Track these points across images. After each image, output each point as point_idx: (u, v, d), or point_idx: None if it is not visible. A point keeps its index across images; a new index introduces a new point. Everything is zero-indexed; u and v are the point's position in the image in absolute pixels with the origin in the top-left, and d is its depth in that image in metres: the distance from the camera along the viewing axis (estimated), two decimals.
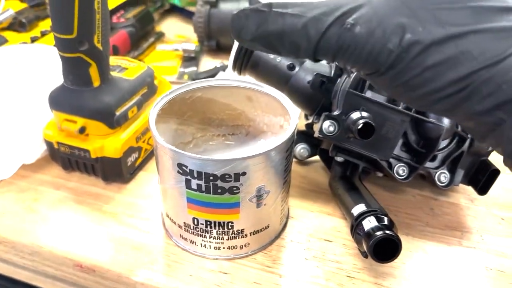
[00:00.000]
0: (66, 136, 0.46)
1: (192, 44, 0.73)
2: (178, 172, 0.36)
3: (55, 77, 0.48)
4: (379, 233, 0.35)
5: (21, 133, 0.49)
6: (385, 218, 0.37)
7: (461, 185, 0.49)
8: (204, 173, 0.35)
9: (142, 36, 0.74)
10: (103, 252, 0.41)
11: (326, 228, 0.44)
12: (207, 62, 0.74)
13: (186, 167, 0.35)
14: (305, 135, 0.51)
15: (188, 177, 0.36)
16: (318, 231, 0.44)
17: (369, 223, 0.36)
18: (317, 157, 0.52)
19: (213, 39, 0.74)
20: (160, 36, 0.78)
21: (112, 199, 0.47)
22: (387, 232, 0.35)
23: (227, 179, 0.35)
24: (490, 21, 0.24)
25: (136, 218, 0.45)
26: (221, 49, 0.75)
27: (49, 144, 0.48)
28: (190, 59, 0.73)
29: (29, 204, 0.46)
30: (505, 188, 0.50)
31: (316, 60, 0.28)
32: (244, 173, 0.35)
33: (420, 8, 0.25)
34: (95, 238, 0.43)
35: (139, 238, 0.43)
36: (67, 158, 0.48)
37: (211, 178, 0.35)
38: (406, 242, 0.43)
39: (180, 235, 0.41)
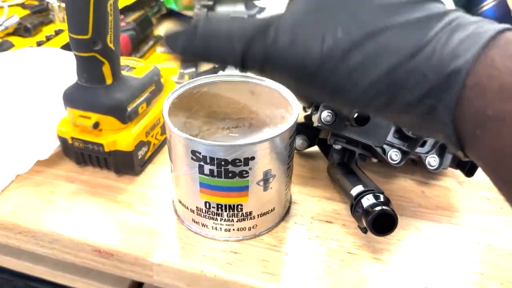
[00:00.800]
0: (80, 132, 0.49)
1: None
2: (192, 158, 0.39)
3: (65, 77, 0.52)
4: (377, 208, 0.38)
5: (35, 131, 0.52)
6: (382, 196, 0.40)
7: (449, 169, 0.53)
8: (216, 158, 0.38)
9: (142, 39, 0.77)
10: (120, 237, 0.44)
11: (326, 211, 0.48)
12: (205, 63, 0.77)
13: (200, 153, 0.38)
14: (303, 127, 0.55)
15: (201, 163, 0.39)
16: (319, 214, 0.47)
17: (367, 200, 0.40)
18: (314, 148, 0.56)
19: None
20: (159, 39, 0.82)
21: (125, 190, 0.50)
22: (384, 207, 0.38)
23: (237, 164, 0.39)
24: (404, 14, 0.24)
25: (149, 207, 0.48)
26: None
27: (63, 140, 0.51)
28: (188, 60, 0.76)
29: (46, 197, 0.49)
30: None
31: (244, 71, 0.29)
32: (252, 158, 0.39)
33: (338, 11, 0.25)
34: (111, 225, 0.45)
35: (153, 224, 0.45)
36: (81, 153, 0.50)
37: (223, 163, 0.38)
38: (400, 222, 0.46)
39: (192, 219, 0.44)
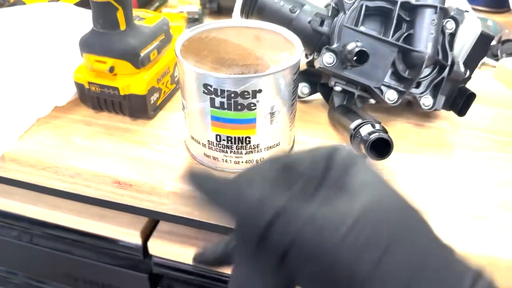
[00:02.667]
0: (97, 77, 0.52)
1: (196, 6, 0.79)
2: (203, 92, 0.43)
3: (78, 31, 0.54)
4: (374, 135, 0.42)
5: (53, 79, 0.55)
6: (378, 125, 0.44)
7: (443, 113, 0.56)
8: (226, 90, 0.41)
9: (148, 1, 0.80)
10: (137, 170, 0.48)
11: None
12: None
13: (211, 86, 0.42)
14: (305, 74, 0.58)
15: (212, 96, 0.42)
16: None
17: (365, 129, 0.43)
18: (315, 97, 0.59)
19: (214, 1, 0.80)
20: (164, 1, 0.84)
21: (139, 132, 0.53)
22: (381, 134, 0.42)
23: (245, 96, 0.42)
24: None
25: (163, 145, 0.51)
26: (222, 11, 0.81)
27: (79, 86, 0.54)
28: (194, 20, 0.79)
29: (65, 137, 0.52)
30: (480, 115, 0.58)
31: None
32: (260, 91, 0.42)
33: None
34: (128, 160, 0.49)
35: (167, 160, 0.49)
36: (97, 98, 0.54)
37: (232, 95, 0.42)
38: (396, 157, 0.50)
39: (204, 153, 0.47)
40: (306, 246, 0.22)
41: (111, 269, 0.67)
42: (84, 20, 0.62)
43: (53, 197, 0.60)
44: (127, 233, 0.60)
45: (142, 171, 0.47)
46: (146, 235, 0.60)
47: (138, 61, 0.51)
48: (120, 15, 0.49)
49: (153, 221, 0.61)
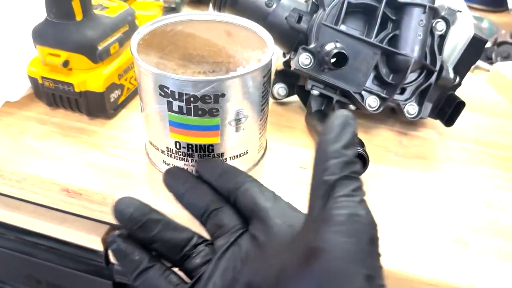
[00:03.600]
0: (51, 71, 0.47)
1: None
2: (160, 94, 0.38)
3: (34, 18, 0.49)
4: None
5: (5, 72, 0.50)
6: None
7: (430, 121, 0.52)
8: (185, 94, 0.37)
9: None
10: (89, 178, 0.43)
11: (301, 158, 0.47)
12: None
13: (168, 88, 0.37)
14: (283, 75, 0.53)
15: (170, 99, 0.38)
16: (294, 160, 0.47)
17: None
18: (293, 98, 0.55)
19: None
20: None
21: (97, 133, 0.49)
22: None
23: (207, 101, 0.37)
24: None
25: (120, 149, 0.47)
26: (202, 1, 0.76)
27: (33, 80, 0.49)
28: (170, 9, 0.73)
29: (15, 137, 0.47)
30: (469, 124, 0.54)
31: None
32: (223, 95, 0.37)
33: None
34: (80, 166, 0.44)
35: (123, 166, 0.44)
36: (52, 94, 0.49)
37: (192, 99, 0.37)
38: (375, 169, 0.46)
39: (163, 160, 0.43)
40: None
41: (74, 274, 0.63)
42: (41, 5, 0.57)
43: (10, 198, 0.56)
44: (88, 239, 0.56)
45: (94, 179, 0.43)
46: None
47: (95, 55, 0.46)
48: (75, 3, 0.44)
49: (115, 228, 0.57)
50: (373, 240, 0.23)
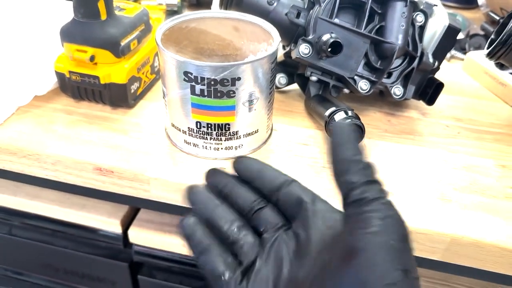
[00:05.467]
0: (77, 66, 0.53)
1: None
2: (184, 79, 0.44)
3: (56, 21, 0.55)
4: (347, 121, 0.44)
5: (34, 69, 0.55)
6: (351, 112, 0.46)
7: (414, 102, 0.59)
8: (206, 78, 0.43)
9: None
10: (119, 157, 0.49)
11: (303, 136, 0.53)
12: None
13: (191, 74, 0.43)
14: (283, 65, 0.60)
15: (193, 83, 0.44)
16: (297, 139, 0.53)
17: (339, 116, 0.46)
18: (293, 87, 0.61)
19: None
20: None
21: (120, 120, 0.54)
22: (354, 120, 0.44)
23: (225, 84, 0.44)
24: None
25: (144, 133, 0.52)
26: (200, 4, 0.82)
27: (60, 75, 0.54)
28: (172, 12, 0.79)
29: (46, 126, 0.53)
30: (448, 105, 0.61)
31: None
32: (239, 78, 0.44)
33: None
34: (109, 148, 0.50)
35: (148, 147, 0.50)
36: (77, 87, 0.54)
37: (212, 82, 0.43)
38: (368, 143, 0.52)
39: (184, 140, 0.49)
40: None
41: (91, 259, 0.67)
42: (64, 11, 0.62)
43: (33, 187, 0.61)
44: (107, 222, 0.61)
45: (123, 158, 0.48)
46: (126, 224, 0.61)
47: (118, 50, 0.52)
48: (101, 5, 0.50)
49: (133, 210, 0.62)
50: (406, 237, 0.25)
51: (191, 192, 0.35)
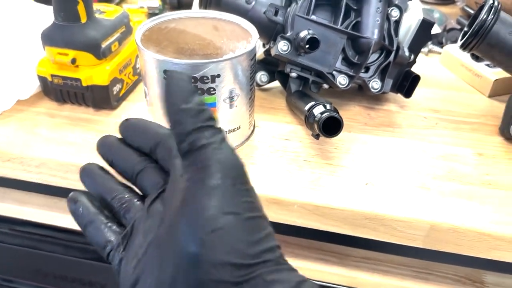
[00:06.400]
0: (59, 69, 0.53)
1: (156, 1, 0.81)
2: (164, 78, 0.45)
3: (37, 26, 0.55)
4: (325, 114, 0.45)
5: (16, 73, 0.55)
6: (329, 105, 0.47)
7: (392, 96, 0.60)
8: None
9: None
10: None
11: (285, 132, 0.54)
12: None
13: None
14: (264, 63, 0.61)
15: None
16: (279, 134, 0.54)
17: (318, 109, 0.47)
18: (274, 84, 0.62)
19: None
20: None
21: (103, 122, 0.55)
22: (332, 113, 0.45)
23: (205, 81, 0.44)
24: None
25: None
26: (182, 6, 0.83)
27: (42, 79, 0.55)
28: (154, 15, 0.80)
29: (30, 129, 0.53)
30: (426, 97, 0.62)
31: None
32: (218, 75, 0.44)
33: None
34: (93, 149, 0.50)
35: None
36: (60, 90, 0.55)
37: (192, 80, 0.44)
38: (348, 136, 0.54)
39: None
40: None
41: (81, 263, 0.67)
42: (44, 16, 0.62)
43: (20, 192, 0.61)
44: None
45: None
46: None
47: (99, 52, 0.52)
48: (81, 8, 0.51)
49: None
50: (238, 179, 0.25)
51: (81, 170, 0.36)
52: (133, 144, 0.35)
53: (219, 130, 0.26)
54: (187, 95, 0.26)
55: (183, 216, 0.25)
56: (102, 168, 0.35)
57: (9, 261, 0.73)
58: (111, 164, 0.35)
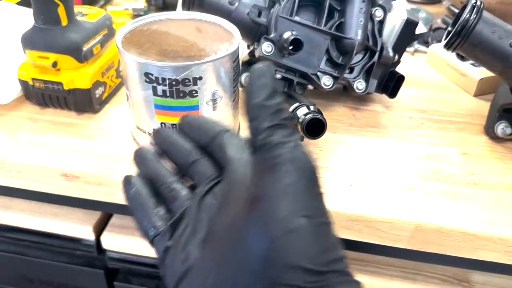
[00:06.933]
0: (40, 73, 0.52)
1: (141, 3, 0.80)
2: (145, 81, 0.44)
3: (18, 29, 0.54)
4: (309, 116, 0.45)
5: None
6: (313, 107, 0.47)
7: (377, 96, 0.60)
8: (168, 78, 0.43)
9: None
10: (85, 163, 0.48)
11: None
12: None
13: (152, 75, 0.43)
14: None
15: (154, 84, 0.44)
16: None
17: (301, 111, 0.46)
18: None
19: None
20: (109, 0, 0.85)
21: (86, 125, 0.54)
22: (316, 115, 0.45)
23: (187, 83, 0.44)
24: None
25: (109, 137, 0.52)
26: (167, 7, 0.82)
27: (23, 83, 0.54)
28: (139, 16, 0.79)
29: (11, 134, 0.52)
30: (412, 97, 0.62)
31: None
32: (200, 78, 0.44)
33: None
34: (75, 153, 0.50)
35: (114, 151, 0.50)
36: (41, 94, 0.54)
37: (174, 83, 0.44)
38: (333, 137, 0.53)
39: (150, 143, 0.49)
40: None
41: (66, 268, 0.67)
42: (26, 19, 0.62)
43: (3, 198, 0.60)
44: (80, 229, 0.61)
45: (89, 163, 0.48)
46: (99, 230, 0.61)
47: (81, 55, 0.52)
48: (61, 10, 0.50)
49: (106, 216, 0.61)
50: (311, 181, 0.24)
51: (136, 154, 0.36)
52: (189, 135, 0.35)
53: (295, 132, 0.25)
54: (270, 92, 0.25)
55: (253, 214, 0.24)
56: (154, 154, 0.36)
57: None
58: (165, 152, 0.35)
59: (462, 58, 0.66)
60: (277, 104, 0.25)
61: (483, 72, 0.63)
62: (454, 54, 0.66)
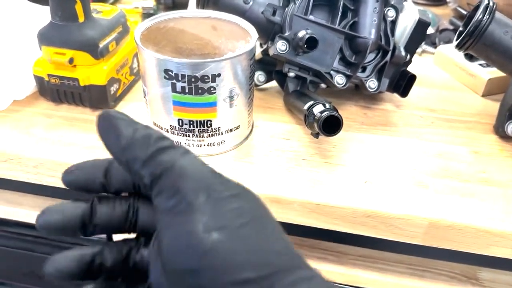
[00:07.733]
0: (56, 69, 0.53)
1: (150, 1, 0.80)
2: (165, 77, 0.45)
3: (32, 26, 0.55)
4: (325, 113, 0.45)
5: (11, 73, 0.55)
6: (329, 105, 0.47)
7: (388, 95, 0.61)
8: (187, 75, 0.44)
9: None
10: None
11: (284, 131, 0.55)
12: None
13: (172, 71, 0.44)
14: (261, 63, 0.61)
15: (173, 81, 0.44)
16: (278, 133, 0.54)
17: (318, 109, 0.47)
18: (271, 84, 0.62)
19: None
20: None
21: None
22: (332, 112, 0.45)
23: (205, 80, 0.44)
24: None
25: None
26: (176, 6, 0.83)
27: (39, 79, 0.54)
28: (149, 15, 0.80)
29: (26, 130, 0.52)
30: (421, 96, 0.63)
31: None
32: (219, 75, 0.45)
33: None
34: (90, 149, 0.50)
35: None
36: (57, 90, 0.54)
37: (193, 79, 0.44)
38: (346, 136, 0.54)
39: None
40: None
41: None
42: (39, 15, 0.62)
43: (13, 194, 0.60)
44: None
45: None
46: None
47: (97, 52, 0.52)
48: (78, 7, 0.50)
49: None
50: (210, 189, 0.23)
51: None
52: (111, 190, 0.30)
53: (173, 145, 0.25)
54: (125, 131, 0.25)
55: (171, 249, 0.23)
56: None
57: (2, 263, 0.72)
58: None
59: (470, 58, 0.67)
60: (141, 133, 0.25)
61: (492, 73, 0.64)
62: (462, 54, 0.67)
